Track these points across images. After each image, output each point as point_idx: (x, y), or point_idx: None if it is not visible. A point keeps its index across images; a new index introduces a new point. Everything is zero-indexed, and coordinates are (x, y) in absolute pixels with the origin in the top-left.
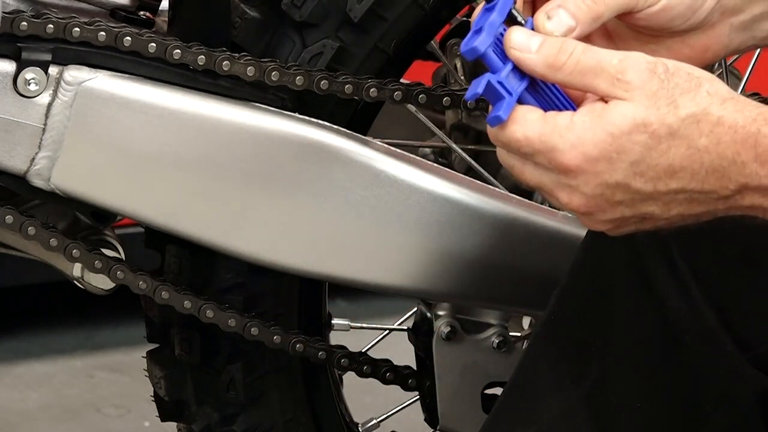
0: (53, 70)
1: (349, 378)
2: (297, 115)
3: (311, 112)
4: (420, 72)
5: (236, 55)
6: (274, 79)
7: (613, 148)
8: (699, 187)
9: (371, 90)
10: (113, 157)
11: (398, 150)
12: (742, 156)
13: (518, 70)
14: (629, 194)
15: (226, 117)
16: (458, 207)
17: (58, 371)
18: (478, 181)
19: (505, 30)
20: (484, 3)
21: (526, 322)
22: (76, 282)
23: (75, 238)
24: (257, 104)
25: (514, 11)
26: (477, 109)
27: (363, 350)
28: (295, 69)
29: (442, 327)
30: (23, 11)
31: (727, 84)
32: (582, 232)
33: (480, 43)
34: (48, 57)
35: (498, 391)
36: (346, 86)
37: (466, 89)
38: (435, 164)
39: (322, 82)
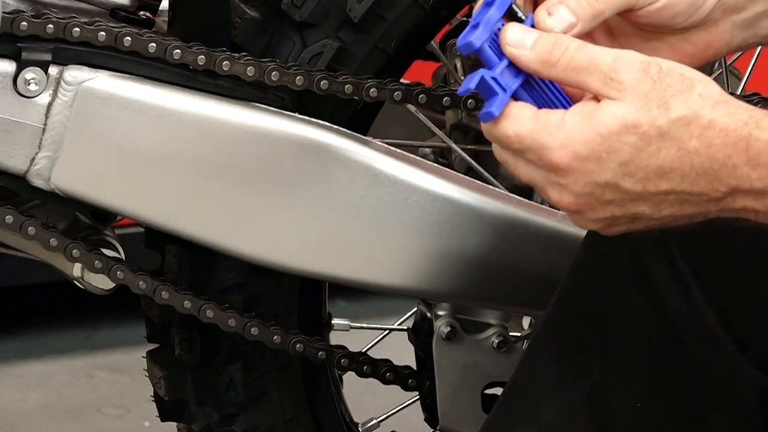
0: (53, 70)
1: (349, 378)
2: (297, 115)
3: (311, 112)
4: (420, 72)
5: (236, 55)
6: (274, 79)
7: (602, 148)
8: (689, 189)
9: (371, 90)
10: (113, 157)
11: (398, 150)
12: (733, 159)
13: (514, 67)
14: (619, 194)
15: (226, 117)
16: (458, 207)
17: (58, 371)
18: (478, 181)
19: (503, 26)
20: None
21: (526, 322)
22: (76, 282)
23: (75, 238)
24: (257, 104)
25: (514, 6)
26: (477, 109)
27: (363, 350)
28: (295, 69)
29: (442, 327)
30: (23, 11)
31: (727, 84)
32: (582, 232)
33: (476, 38)
34: (48, 57)
35: (498, 391)
36: (346, 86)
37: None
38: (435, 164)
39: (322, 82)
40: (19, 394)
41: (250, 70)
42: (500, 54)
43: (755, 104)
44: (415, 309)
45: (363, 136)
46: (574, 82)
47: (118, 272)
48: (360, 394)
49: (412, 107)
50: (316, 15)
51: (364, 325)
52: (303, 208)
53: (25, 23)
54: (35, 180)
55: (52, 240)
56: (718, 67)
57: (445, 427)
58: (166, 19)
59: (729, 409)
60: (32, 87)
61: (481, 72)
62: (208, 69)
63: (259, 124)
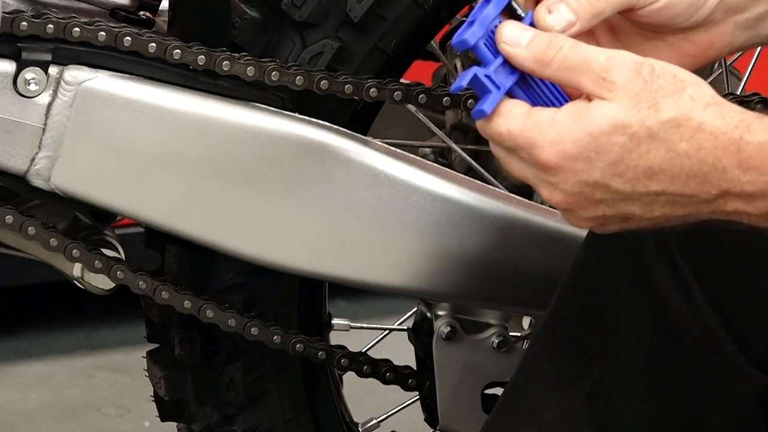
0: (53, 70)
1: (349, 378)
2: (297, 115)
3: (311, 112)
4: (420, 72)
5: (236, 55)
6: (274, 79)
7: (591, 148)
8: (680, 191)
9: (371, 90)
10: (113, 157)
11: (398, 150)
12: (723, 162)
13: (509, 65)
14: (609, 194)
15: (226, 117)
16: (458, 207)
17: (58, 371)
18: (478, 181)
19: (500, 23)
20: None
21: (526, 322)
22: (76, 282)
23: (75, 238)
24: (257, 104)
25: (514, 4)
26: None
27: (363, 350)
28: (295, 69)
29: (442, 327)
30: (23, 11)
31: (727, 84)
32: (582, 233)
33: (470, 35)
34: (48, 57)
35: (498, 391)
36: (346, 86)
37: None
38: (435, 164)
39: (322, 82)
40: (19, 394)
41: (250, 70)
42: (496, 52)
43: (755, 104)
44: (415, 309)
45: (363, 136)
46: (567, 82)
47: (118, 272)
48: (360, 394)
49: (412, 107)
50: (316, 15)
51: (364, 325)
52: (303, 208)
53: (25, 23)
54: (35, 180)
55: (52, 240)
56: (718, 67)
57: (445, 427)
58: (166, 19)
59: (729, 409)
60: (32, 87)
61: (475, 69)
62: (208, 69)
63: (259, 124)
